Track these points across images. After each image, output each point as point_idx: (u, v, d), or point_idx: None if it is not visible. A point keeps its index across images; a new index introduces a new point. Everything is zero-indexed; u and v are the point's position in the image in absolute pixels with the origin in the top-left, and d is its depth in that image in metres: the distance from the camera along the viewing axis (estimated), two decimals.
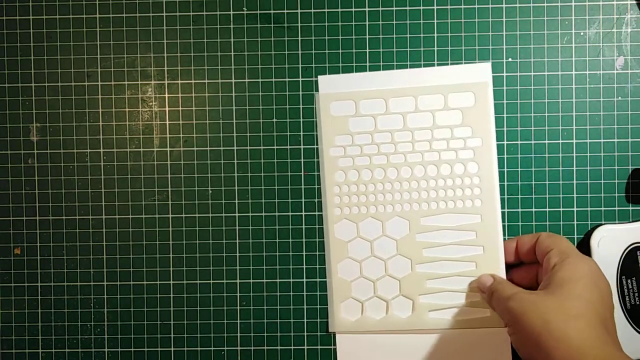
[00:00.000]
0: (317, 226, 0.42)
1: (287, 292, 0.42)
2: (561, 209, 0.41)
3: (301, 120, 0.42)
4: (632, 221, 0.41)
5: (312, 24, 0.42)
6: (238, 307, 0.42)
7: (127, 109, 0.42)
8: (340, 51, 0.42)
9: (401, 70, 0.41)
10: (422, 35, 0.41)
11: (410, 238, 0.41)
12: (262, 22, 0.42)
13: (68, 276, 0.43)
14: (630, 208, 0.41)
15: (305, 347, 0.42)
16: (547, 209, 0.41)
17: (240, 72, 0.42)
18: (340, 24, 0.42)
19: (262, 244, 0.42)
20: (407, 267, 0.41)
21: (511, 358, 0.40)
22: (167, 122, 0.42)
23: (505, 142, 0.41)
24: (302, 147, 0.42)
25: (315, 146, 0.42)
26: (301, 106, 0.42)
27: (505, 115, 0.41)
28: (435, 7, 0.41)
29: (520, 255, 0.39)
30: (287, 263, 0.42)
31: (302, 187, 0.42)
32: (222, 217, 0.42)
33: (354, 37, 0.42)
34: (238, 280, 0.42)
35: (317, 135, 0.42)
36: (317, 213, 0.42)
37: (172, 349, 0.42)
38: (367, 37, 0.42)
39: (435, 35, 0.41)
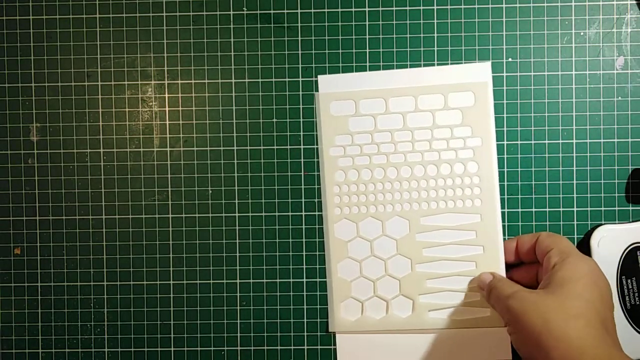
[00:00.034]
0: (317, 226, 0.42)
1: (287, 292, 0.42)
2: (561, 209, 0.41)
3: (301, 120, 0.42)
4: (632, 221, 0.41)
5: (312, 24, 0.42)
6: (238, 307, 0.42)
7: (127, 109, 0.42)
8: (340, 51, 0.42)
9: (401, 70, 0.41)
10: (422, 35, 0.41)
11: (410, 238, 0.41)
12: (262, 22, 0.42)
13: (68, 276, 0.43)
14: (630, 208, 0.41)
15: (305, 347, 0.42)
16: (547, 209, 0.41)
17: (240, 72, 0.42)
18: (340, 24, 0.42)
19: (262, 244, 0.42)
20: (407, 267, 0.41)
21: (511, 357, 0.40)
22: (167, 122, 0.42)
23: (505, 142, 0.41)
24: (302, 147, 0.42)
25: (315, 146, 0.42)
26: (301, 106, 0.42)
27: (505, 115, 0.41)
28: (435, 7, 0.41)
29: (520, 255, 0.39)
30: (287, 263, 0.42)
31: (302, 187, 0.42)
32: (222, 217, 0.42)
33: (354, 37, 0.42)
34: (238, 280, 0.42)
35: (317, 135, 0.42)
36: (317, 213, 0.42)
37: (172, 349, 0.42)
38: (367, 37, 0.42)
39: (435, 35, 0.41)
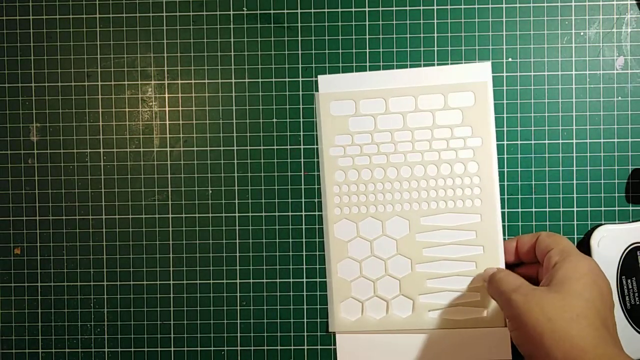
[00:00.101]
0: (317, 226, 0.42)
1: (287, 292, 0.42)
2: (561, 209, 0.41)
3: (301, 120, 0.42)
4: (632, 221, 0.41)
5: (312, 24, 0.42)
6: (238, 307, 0.42)
7: (127, 109, 0.42)
8: (340, 51, 0.42)
9: (401, 70, 0.41)
10: (422, 35, 0.41)
11: (410, 238, 0.41)
12: (262, 22, 0.42)
13: (68, 276, 0.43)
14: (630, 208, 0.41)
15: (305, 347, 0.42)
16: (547, 209, 0.41)
17: (240, 72, 0.42)
18: (340, 24, 0.42)
19: (262, 244, 0.42)
20: (407, 267, 0.41)
21: (511, 357, 0.40)
22: (167, 122, 0.42)
23: (505, 142, 0.41)
24: (302, 147, 0.42)
25: (315, 146, 0.42)
26: (301, 106, 0.42)
27: (505, 115, 0.41)
28: (435, 7, 0.41)
29: (520, 255, 0.39)
30: (287, 263, 0.42)
31: (302, 187, 0.42)
32: (222, 217, 0.42)
33: (354, 37, 0.42)
34: (238, 280, 0.42)
35: (317, 135, 0.42)
36: (317, 213, 0.42)
37: (172, 349, 0.42)
38: (367, 37, 0.42)
39: (435, 35, 0.41)
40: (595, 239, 0.40)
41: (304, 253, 0.42)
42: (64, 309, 0.43)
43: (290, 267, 0.42)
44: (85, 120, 0.42)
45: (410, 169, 0.41)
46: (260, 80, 0.42)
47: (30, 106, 0.43)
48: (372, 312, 0.41)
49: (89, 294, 0.43)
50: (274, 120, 0.42)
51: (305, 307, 0.42)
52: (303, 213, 0.42)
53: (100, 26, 0.42)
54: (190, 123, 0.42)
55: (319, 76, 0.42)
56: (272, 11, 0.42)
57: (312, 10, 0.42)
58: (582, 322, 0.30)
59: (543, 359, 0.31)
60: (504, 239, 0.40)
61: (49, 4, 0.42)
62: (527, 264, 0.39)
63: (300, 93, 0.42)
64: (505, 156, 0.41)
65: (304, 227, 0.42)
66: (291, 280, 0.42)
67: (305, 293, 0.42)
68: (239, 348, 0.42)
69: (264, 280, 0.42)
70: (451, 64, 0.41)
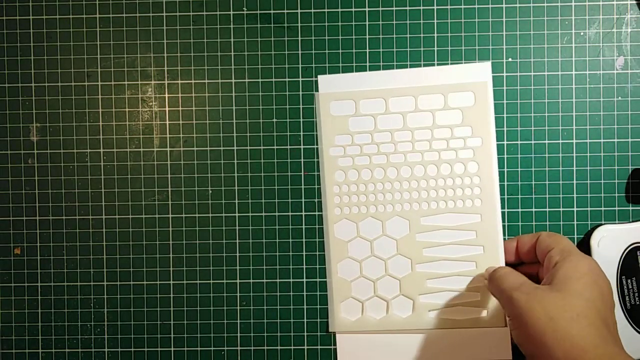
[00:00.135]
0: (317, 226, 0.42)
1: (287, 292, 0.42)
2: (561, 209, 0.41)
3: (301, 120, 0.42)
4: (632, 221, 0.41)
5: (312, 24, 0.42)
6: (238, 307, 0.42)
7: (127, 109, 0.42)
8: (340, 51, 0.42)
9: (401, 70, 0.41)
10: (422, 35, 0.41)
11: (410, 238, 0.41)
12: (262, 22, 0.42)
13: (68, 276, 0.43)
14: (630, 208, 0.41)
15: (305, 347, 0.42)
16: (547, 209, 0.41)
17: (240, 72, 0.42)
18: (340, 24, 0.42)
19: (262, 244, 0.42)
20: (407, 267, 0.41)
21: (511, 357, 0.40)
22: (167, 122, 0.42)
23: (505, 142, 0.41)
24: (302, 147, 0.42)
25: (315, 146, 0.42)
26: (301, 106, 0.42)
27: (505, 115, 0.41)
28: (435, 7, 0.41)
29: (521, 255, 0.39)
30: (287, 263, 0.42)
31: (302, 187, 0.42)
32: (222, 217, 0.42)
33: (354, 37, 0.42)
34: (238, 280, 0.42)
35: (317, 135, 0.42)
36: (317, 213, 0.42)
37: (172, 349, 0.42)
38: (367, 37, 0.42)
39: (435, 35, 0.41)
40: (595, 239, 0.40)
41: (304, 253, 0.42)
42: (64, 309, 0.43)
43: (290, 267, 0.42)
44: (85, 120, 0.42)
45: (410, 169, 0.41)
46: (260, 80, 0.42)
47: (30, 106, 0.43)
48: (372, 312, 0.41)
49: (89, 294, 0.43)
50: (274, 120, 0.42)
51: (305, 307, 0.42)
52: (303, 213, 0.42)
53: (100, 26, 0.42)
54: (190, 123, 0.42)
55: (319, 76, 0.42)
56: (272, 11, 0.42)
57: (312, 10, 0.42)
58: (582, 321, 0.30)
59: (544, 358, 0.31)
60: (504, 239, 0.40)
61: (49, 4, 0.42)
62: (527, 264, 0.39)
63: (300, 93, 0.42)
64: (505, 156, 0.41)
65: (304, 227, 0.42)
66: (291, 280, 0.42)
67: (305, 293, 0.42)
68: (239, 348, 0.42)
69: (264, 280, 0.42)
70: (451, 64, 0.41)
